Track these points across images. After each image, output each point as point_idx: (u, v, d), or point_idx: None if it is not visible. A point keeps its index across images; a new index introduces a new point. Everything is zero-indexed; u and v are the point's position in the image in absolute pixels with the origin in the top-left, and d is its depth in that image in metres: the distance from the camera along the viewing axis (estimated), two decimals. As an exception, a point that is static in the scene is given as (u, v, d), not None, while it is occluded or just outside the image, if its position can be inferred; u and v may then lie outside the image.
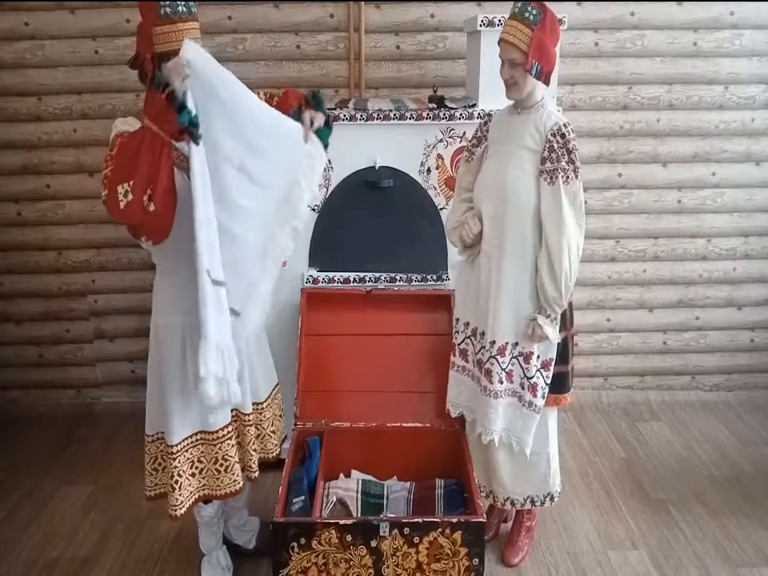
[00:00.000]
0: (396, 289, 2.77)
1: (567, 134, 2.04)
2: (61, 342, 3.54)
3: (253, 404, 2.18)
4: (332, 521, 2.01)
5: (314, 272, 2.79)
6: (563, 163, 2.03)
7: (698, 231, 3.45)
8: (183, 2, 1.80)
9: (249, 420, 2.16)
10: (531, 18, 1.97)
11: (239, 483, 2.12)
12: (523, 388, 2.22)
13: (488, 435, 2.26)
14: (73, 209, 3.35)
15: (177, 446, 2.02)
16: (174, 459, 2.01)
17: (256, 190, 1.88)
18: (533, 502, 2.39)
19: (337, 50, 3.16)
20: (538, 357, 2.19)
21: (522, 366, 2.21)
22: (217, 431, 2.05)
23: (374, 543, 1.99)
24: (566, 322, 2.23)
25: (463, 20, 2.98)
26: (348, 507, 2.37)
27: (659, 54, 3.23)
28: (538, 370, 2.20)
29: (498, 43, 2.05)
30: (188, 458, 2.05)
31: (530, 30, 1.96)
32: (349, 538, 1.98)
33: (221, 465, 2.08)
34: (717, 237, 3.46)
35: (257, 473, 2.21)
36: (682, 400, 3.61)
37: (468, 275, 2.31)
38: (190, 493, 2.08)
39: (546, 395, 2.22)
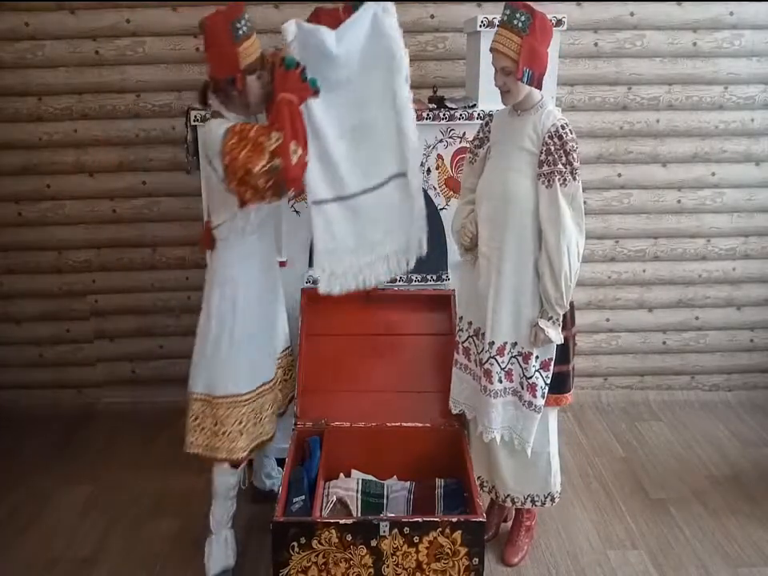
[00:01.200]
0: (396, 289, 2.77)
1: (565, 135, 2.04)
2: (61, 341, 3.54)
3: (283, 350, 2.54)
4: (332, 520, 2.01)
5: (314, 272, 2.78)
6: (560, 166, 2.03)
7: (697, 231, 3.46)
8: (248, 21, 2.02)
9: (279, 363, 2.48)
10: (520, 25, 1.96)
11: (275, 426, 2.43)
12: (522, 387, 2.23)
13: (489, 434, 2.27)
14: (73, 209, 3.36)
15: (246, 395, 2.26)
16: (243, 407, 2.25)
17: (370, 81, 2.17)
18: (533, 502, 2.40)
19: (337, 50, 3.16)
20: (537, 357, 2.20)
21: (521, 366, 2.22)
22: (272, 379, 2.38)
23: (373, 543, 1.99)
24: (566, 322, 2.23)
25: (463, 21, 2.98)
26: (348, 507, 2.37)
27: (659, 55, 3.23)
28: (537, 371, 2.20)
29: (490, 51, 2.06)
30: (253, 409, 2.28)
31: (519, 37, 1.96)
32: (349, 537, 1.99)
33: (273, 409, 2.39)
34: (716, 237, 3.46)
35: (286, 407, 2.56)
36: (681, 400, 3.61)
37: (470, 275, 2.33)
38: (251, 441, 2.30)
39: (545, 395, 2.22)
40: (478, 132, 2.32)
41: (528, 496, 2.39)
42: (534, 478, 2.37)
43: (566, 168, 2.04)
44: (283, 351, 2.54)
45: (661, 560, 2.46)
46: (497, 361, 2.22)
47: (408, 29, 3.13)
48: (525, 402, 2.23)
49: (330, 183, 2.25)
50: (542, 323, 2.14)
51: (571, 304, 2.27)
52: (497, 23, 2.09)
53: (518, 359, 2.23)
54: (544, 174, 2.06)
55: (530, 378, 2.21)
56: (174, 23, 3.12)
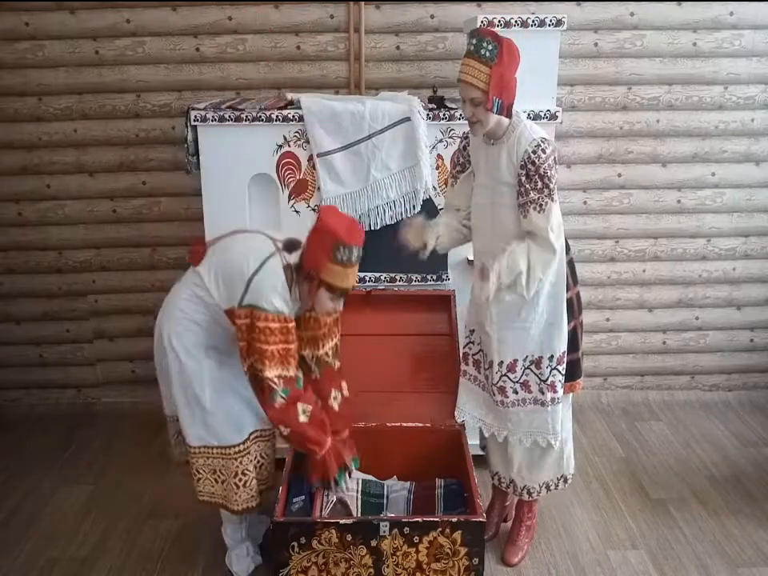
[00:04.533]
0: (396, 289, 2.77)
1: (537, 158, 2.00)
2: (61, 341, 3.54)
3: None
4: (332, 520, 2.02)
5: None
6: (532, 194, 2.02)
7: (697, 231, 3.45)
8: (357, 249, 1.98)
9: (267, 434, 2.25)
10: (488, 54, 1.93)
11: (256, 500, 2.20)
12: (543, 392, 2.24)
13: (514, 435, 2.30)
14: (73, 209, 3.36)
15: (195, 448, 2.16)
16: (194, 457, 2.16)
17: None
18: (548, 488, 2.40)
19: (337, 50, 3.16)
20: (551, 357, 2.21)
21: (535, 373, 2.23)
22: (237, 445, 2.15)
23: (373, 543, 1.99)
24: (573, 311, 2.25)
25: (463, 20, 2.98)
26: (348, 507, 2.37)
27: (659, 55, 3.23)
28: (553, 369, 2.22)
29: (457, 82, 2.04)
30: (208, 464, 2.17)
31: (487, 67, 1.94)
32: (349, 537, 1.99)
33: (239, 479, 2.16)
34: (716, 237, 3.46)
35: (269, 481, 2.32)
36: (681, 400, 3.61)
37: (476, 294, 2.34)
38: (212, 494, 2.21)
39: (563, 383, 2.25)
40: (458, 157, 2.32)
41: (543, 484, 2.39)
42: (549, 464, 2.37)
43: (540, 194, 2.02)
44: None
45: (661, 560, 2.46)
46: (509, 378, 2.24)
47: (408, 29, 3.15)
48: (547, 402, 2.24)
49: (334, 136, 2.60)
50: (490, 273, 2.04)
51: (578, 293, 2.29)
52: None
53: (531, 369, 2.23)
54: (520, 206, 2.07)
55: (547, 379, 2.22)
56: (174, 23, 3.12)
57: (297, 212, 2.75)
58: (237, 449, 2.15)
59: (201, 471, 2.17)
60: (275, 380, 1.97)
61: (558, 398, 2.24)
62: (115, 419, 3.47)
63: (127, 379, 3.58)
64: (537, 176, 2.01)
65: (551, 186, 2.02)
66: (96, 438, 3.31)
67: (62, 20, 3.11)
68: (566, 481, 2.42)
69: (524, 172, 2.02)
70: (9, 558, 2.50)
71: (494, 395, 2.28)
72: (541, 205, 2.02)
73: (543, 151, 2.01)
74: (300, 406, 2.02)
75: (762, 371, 3.64)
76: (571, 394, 2.37)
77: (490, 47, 1.93)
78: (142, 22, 3.11)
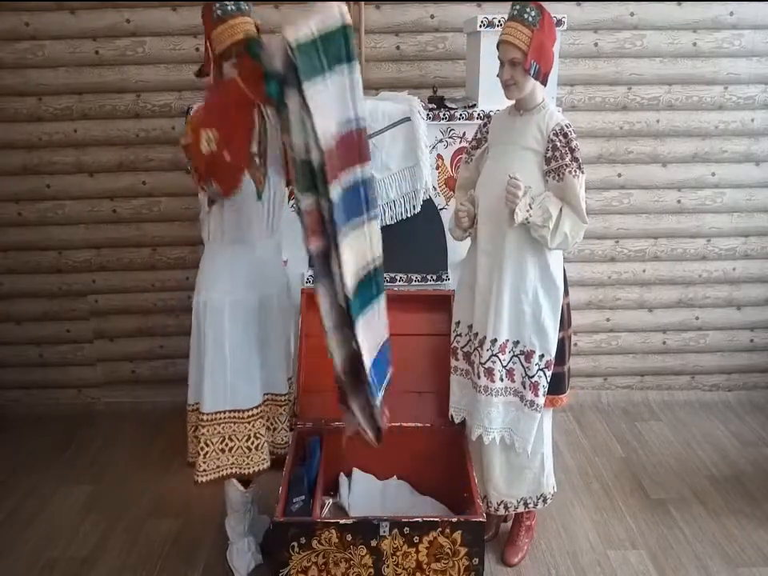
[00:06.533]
0: (396, 289, 2.77)
1: (569, 133, 2.08)
2: (61, 341, 3.54)
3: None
4: (332, 520, 2.01)
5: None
6: (567, 160, 2.07)
7: (697, 231, 3.45)
8: (233, 2, 1.85)
9: (283, 400, 2.29)
10: (530, 19, 2.00)
11: (267, 462, 2.22)
12: (525, 387, 2.23)
13: (489, 435, 2.27)
14: (73, 209, 3.36)
15: (207, 415, 2.13)
16: (204, 427, 2.13)
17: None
18: (525, 504, 2.39)
19: (337, 50, 3.16)
20: (542, 356, 2.20)
21: (523, 365, 2.22)
22: (250, 409, 2.17)
23: (373, 543, 1.99)
24: (563, 323, 2.23)
25: (463, 21, 2.98)
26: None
27: (659, 55, 3.23)
28: (540, 369, 2.20)
29: (498, 45, 2.08)
30: (218, 431, 2.15)
31: (529, 30, 2.00)
32: (349, 537, 1.99)
33: (252, 443, 2.18)
34: (716, 237, 3.46)
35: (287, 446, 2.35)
36: (681, 400, 3.61)
37: (468, 277, 2.32)
38: (217, 467, 2.17)
39: (545, 393, 2.22)
40: (476, 133, 2.34)
41: (521, 499, 2.38)
42: (528, 480, 2.36)
43: (572, 163, 2.07)
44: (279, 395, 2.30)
45: (661, 560, 2.46)
46: (499, 359, 2.22)
47: (408, 29, 3.15)
48: (527, 401, 2.23)
49: None
50: (522, 203, 2.05)
51: (568, 305, 2.27)
52: (504, 19, 2.12)
53: (519, 358, 2.23)
54: (553, 170, 2.09)
55: (533, 377, 2.21)
56: (174, 23, 3.12)
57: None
58: (250, 412, 2.17)
59: (209, 443, 2.15)
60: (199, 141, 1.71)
61: (538, 405, 2.21)
62: (115, 419, 3.47)
63: (127, 379, 3.58)
64: (567, 148, 2.07)
65: (580, 161, 2.09)
66: (96, 438, 3.31)
67: (62, 20, 3.11)
68: (544, 501, 2.40)
69: (557, 139, 2.07)
70: (9, 557, 2.50)
71: (479, 379, 2.25)
72: (575, 170, 2.07)
73: (572, 131, 2.10)
74: (203, 135, 1.71)
75: (762, 371, 3.64)
76: (552, 410, 2.36)
77: (533, 13, 2.01)
78: (141, 22, 3.12)
